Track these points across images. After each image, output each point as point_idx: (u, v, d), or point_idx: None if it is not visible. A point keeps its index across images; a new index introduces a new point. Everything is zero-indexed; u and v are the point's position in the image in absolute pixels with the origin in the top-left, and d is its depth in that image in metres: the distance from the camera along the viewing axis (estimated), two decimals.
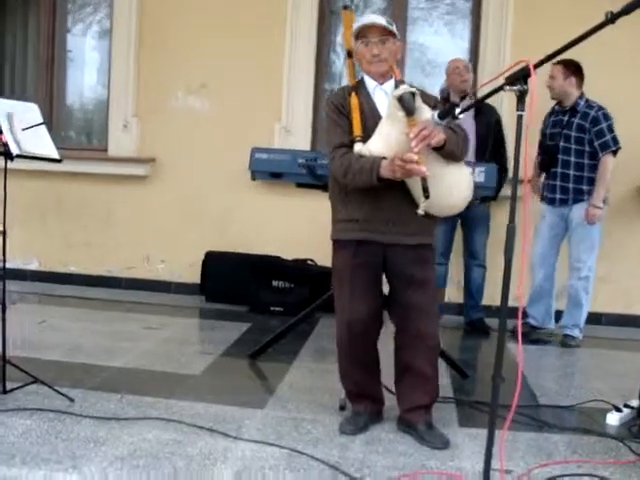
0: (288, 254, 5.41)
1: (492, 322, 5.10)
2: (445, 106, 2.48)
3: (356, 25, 2.85)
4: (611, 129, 4.51)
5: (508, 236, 2.09)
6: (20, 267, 5.97)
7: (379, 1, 5.76)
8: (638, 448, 2.89)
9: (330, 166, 2.84)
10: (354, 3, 5.72)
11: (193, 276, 5.70)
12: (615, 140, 4.51)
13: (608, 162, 4.52)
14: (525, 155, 2.03)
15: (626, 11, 1.59)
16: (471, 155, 4.71)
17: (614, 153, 4.53)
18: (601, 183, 4.54)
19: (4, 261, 3.26)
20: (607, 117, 4.53)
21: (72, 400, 3.13)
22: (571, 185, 4.63)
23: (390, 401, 3.12)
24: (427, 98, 2.81)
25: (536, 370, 4.14)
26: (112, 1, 5.72)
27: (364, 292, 2.87)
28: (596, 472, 2.67)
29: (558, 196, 4.70)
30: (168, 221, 5.74)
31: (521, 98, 1.93)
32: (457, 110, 2.33)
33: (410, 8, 5.58)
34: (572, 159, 4.62)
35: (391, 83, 2.84)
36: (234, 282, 5.38)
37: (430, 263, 2.90)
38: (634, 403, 3.29)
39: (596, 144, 4.52)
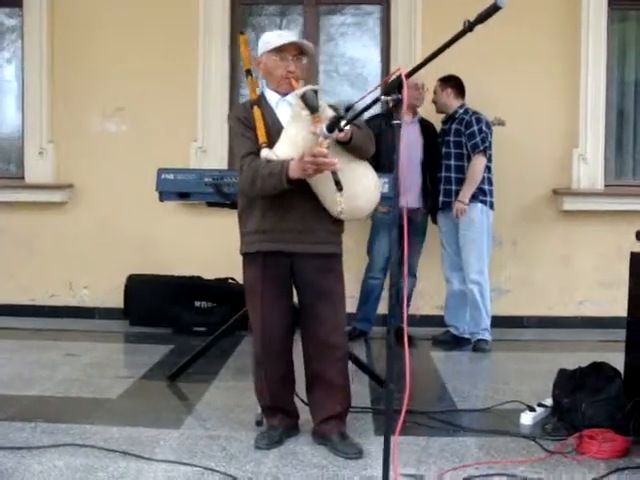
0: (209, 274, 5.40)
1: (415, 331, 5.21)
2: (331, 119, 2.53)
3: (271, 39, 2.87)
4: (481, 131, 4.69)
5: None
6: None
7: (296, 18, 5.83)
8: (549, 445, 2.97)
9: (239, 177, 2.85)
10: (274, 23, 5.80)
11: (117, 301, 5.62)
12: (484, 140, 4.68)
13: (477, 161, 4.69)
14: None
15: (480, 20, 1.67)
16: (417, 168, 4.88)
17: (484, 153, 4.69)
18: (469, 181, 4.70)
19: None
20: (479, 120, 4.72)
21: None
22: (454, 187, 4.77)
23: (306, 414, 3.13)
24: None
25: (456, 376, 4.21)
26: (22, 24, 5.63)
27: (275, 305, 2.90)
28: (506, 471, 2.73)
29: (441, 199, 4.83)
30: (89, 246, 5.65)
31: (396, 107, 1.99)
32: (342, 123, 2.38)
33: (324, 25, 5.68)
34: (452, 162, 4.78)
35: (292, 94, 2.87)
36: (157, 304, 5.33)
37: (337, 273, 2.93)
38: (548, 402, 3.38)
39: (469, 145, 4.71)
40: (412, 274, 5.09)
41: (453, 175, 4.78)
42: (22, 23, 5.65)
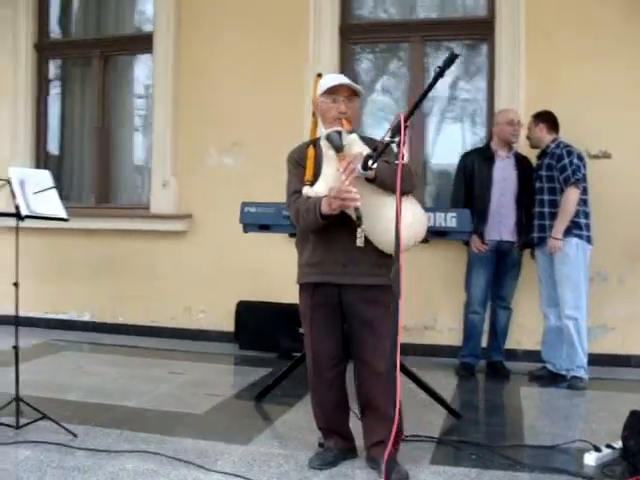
0: None
1: (512, 366, 5.16)
2: (365, 157, 2.66)
3: (324, 83, 3.09)
4: (572, 163, 4.60)
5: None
6: (74, 318, 6.45)
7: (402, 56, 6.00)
8: None
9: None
10: (381, 61, 5.99)
11: (230, 325, 5.97)
12: (574, 172, 4.59)
13: (569, 195, 4.60)
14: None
15: (445, 67, 1.78)
16: (511, 203, 4.90)
17: (576, 186, 4.59)
18: (561, 215, 4.61)
19: (17, 309, 3.63)
20: (570, 153, 4.64)
21: (75, 435, 3.42)
22: (547, 222, 4.71)
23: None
24: (372, 144, 3.02)
25: (537, 412, 4.15)
26: (153, 71, 6.22)
27: (324, 332, 3.05)
28: None
29: (535, 235, 4.79)
30: (206, 273, 6.07)
31: (399, 148, 2.12)
32: (370, 162, 2.52)
33: (429, 61, 5.82)
34: (545, 197, 4.73)
35: (322, 136, 3.00)
36: (262, 330, 5.62)
37: (382, 303, 3.01)
38: (618, 444, 3.28)
39: (560, 178, 4.63)
40: (506, 307, 5.07)
41: (546, 210, 4.73)
42: (152, 67, 6.24)
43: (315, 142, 3.10)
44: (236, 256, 5.98)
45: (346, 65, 5.85)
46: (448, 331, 5.53)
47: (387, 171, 2.83)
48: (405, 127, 2.09)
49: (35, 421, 3.50)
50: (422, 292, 5.64)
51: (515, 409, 4.22)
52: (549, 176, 4.72)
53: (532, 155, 5.03)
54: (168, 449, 3.28)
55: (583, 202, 4.67)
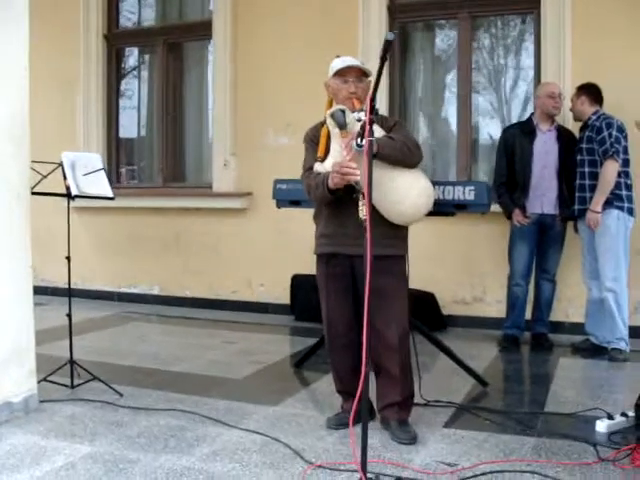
0: None
1: (558, 338, 5.19)
2: (359, 133, 2.80)
3: (334, 65, 3.25)
4: (611, 135, 4.55)
5: None
6: (144, 292, 6.88)
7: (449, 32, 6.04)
8: (606, 453, 2.95)
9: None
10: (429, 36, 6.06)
11: (287, 297, 6.24)
12: (613, 144, 4.54)
13: (608, 167, 4.56)
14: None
15: (384, 53, 1.94)
16: (553, 176, 4.93)
17: (615, 158, 4.54)
18: (600, 187, 4.59)
19: (69, 282, 3.99)
20: (610, 125, 4.59)
21: (121, 395, 3.77)
22: (588, 194, 4.70)
23: None
24: (384, 121, 3.17)
25: (568, 382, 4.19)
26: (213, 56, 6.52)
27: (338, 300, 3.25)
28: (541, 471, 2.77)
29: (576, 207, 4.79)
30: (265, 248, 6.35)
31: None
32: (358, 139, 2.67)
33: (476, 36, 5.84)
34: (586, 169, 4.72)
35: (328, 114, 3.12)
36: (314, 301, 5.82)
37: (394, 273, 3.17)
38: (631, 413, 3.32)
39: (600, 151, 4.61)
40: (551, 280, 5.11)
41: (587, 182, 4.72)
42: (213, 53, 6.53)
43: None
44: (292, 231, 6.20)
45: (394, 43, 5.95)
46: (496, 303, 5.59)
47: (390, 145, 2.97)
48: (372, 107, 2.24)
49: (87, 382, 3.88)
50: (472, 265, 5.75)
51: (546, 379, 4.28)
52: (589, 149, 4.71)
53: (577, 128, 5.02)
54: (202, 409, 3.56)
55: (625, 174, 4.64)
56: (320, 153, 3.15)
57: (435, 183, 3.67)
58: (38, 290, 6.08)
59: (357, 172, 2.85)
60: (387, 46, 1.94)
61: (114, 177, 7.06)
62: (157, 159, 6.98)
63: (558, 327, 5.38)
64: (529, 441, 3.14)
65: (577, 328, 5.22)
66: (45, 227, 6.18)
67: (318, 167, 3.11)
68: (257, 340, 5.37)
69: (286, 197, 4.06)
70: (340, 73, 3.17)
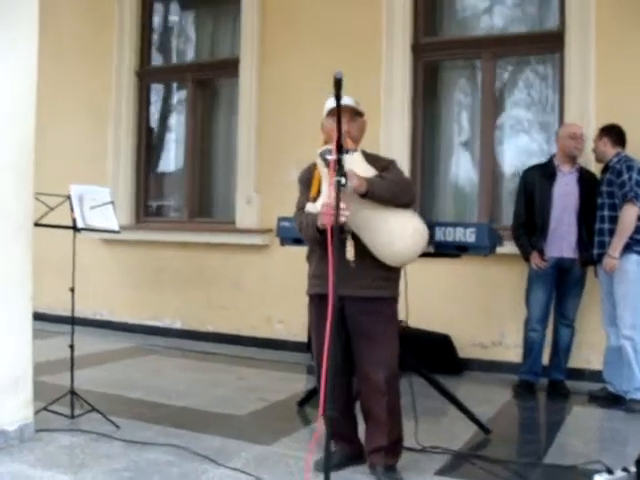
0: None
1: (577, 385, 5.02)
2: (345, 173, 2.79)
3: (328, 105, 3.26)
4: (631, 178, 4.44)
5: None
6: (167, 326, 6.93)
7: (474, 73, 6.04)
8: None
9: None
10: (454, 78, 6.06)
11: (305, 335, 6.19)
12: (632, 188, 4.43)
13: (627, 211, 4.44)
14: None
15: (337, 92, 1.94)
16: (572, 219, 4.83)
17: (634, 202, 4.42)
18: (619, 232, 4.47)
19: (72, 312, 4.04)
20: (630, 168, 4.48)
21: (118, 427, 3.77)
22: (607, 239, 4.56)
23: None
24: (377, 161, 3.15)
25: (576, 432, 4.04)
26: (238, 93, 6.64)
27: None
28: None
29: (595, 251, 4.65)
30: (285, 285, 6.33)
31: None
32: (342, 180, 2.67)
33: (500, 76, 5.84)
34: (606, 213, 4.60)
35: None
36: None
37: (383, 315, 3.13)
38: (633, 468, 3.18)
39: (619, 194, 4.49)
40: (569, 325, 4.97)
41: (606, 226, 4.60)
42: (238, 90, 6.65)
43: None
44: None
45: (418, 82, 5.96)
46: (515, 347, 5.45)
47: (379, 185, 2.96)
48: (339, 145, 2.24)
49: (87, 412, 3.89)
50: (491, 307, 5.63)
51: (554, 428, 4.13)
52: (610, 192, 4.60)
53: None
54: (196, 445, 3.53)
55: None
56: (313, 193, 3.14)
57: (436, 224, 3.64)
58: (61, 319, 6.27)
59: (345, 213, 2.82)
60: (338, 84, 1.94)
61: (142, 211, 7.19)
62: (184, 194, 7.08)
63: (578, 374, 5.21)
64: None
65: (598, 376, 5.03)
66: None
67: (310, 207, 3.11)
68: (269, 377, 5.33)
69: (289, 235, 4.05)
70: (333, 113, 3.17)
